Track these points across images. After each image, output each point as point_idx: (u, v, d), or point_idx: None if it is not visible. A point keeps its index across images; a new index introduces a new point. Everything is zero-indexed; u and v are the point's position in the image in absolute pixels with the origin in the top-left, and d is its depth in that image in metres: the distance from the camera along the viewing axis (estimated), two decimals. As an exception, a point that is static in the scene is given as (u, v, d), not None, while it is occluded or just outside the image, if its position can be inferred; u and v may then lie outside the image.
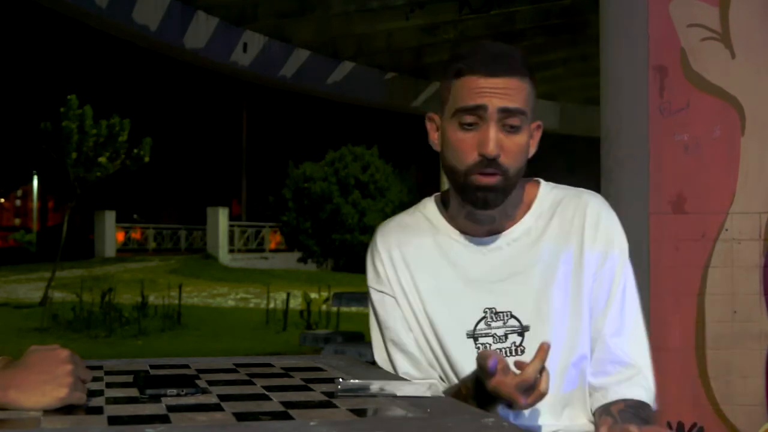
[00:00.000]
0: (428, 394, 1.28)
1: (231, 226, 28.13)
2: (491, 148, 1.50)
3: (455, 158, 1.55)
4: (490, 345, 1.58)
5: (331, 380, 1.40)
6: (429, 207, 1.70)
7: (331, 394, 1.29)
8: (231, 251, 27.79)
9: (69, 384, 1.14)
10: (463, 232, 1.63)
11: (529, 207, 1.63)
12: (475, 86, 1.51)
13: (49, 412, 1.12)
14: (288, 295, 13.40)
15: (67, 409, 1.14)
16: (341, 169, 26.95)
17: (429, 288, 1.62)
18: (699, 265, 2.81)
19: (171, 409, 1.16)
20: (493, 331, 1.59)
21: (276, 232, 30.24)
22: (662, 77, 2.86)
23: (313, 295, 13.20)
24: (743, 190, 2.82)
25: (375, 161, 27.50)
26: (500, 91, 1.50)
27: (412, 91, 11.58)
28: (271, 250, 30.46)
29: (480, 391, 1.43)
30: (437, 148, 1.61)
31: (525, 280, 1.59)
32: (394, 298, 1.65)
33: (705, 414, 2.82)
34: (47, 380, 1.13)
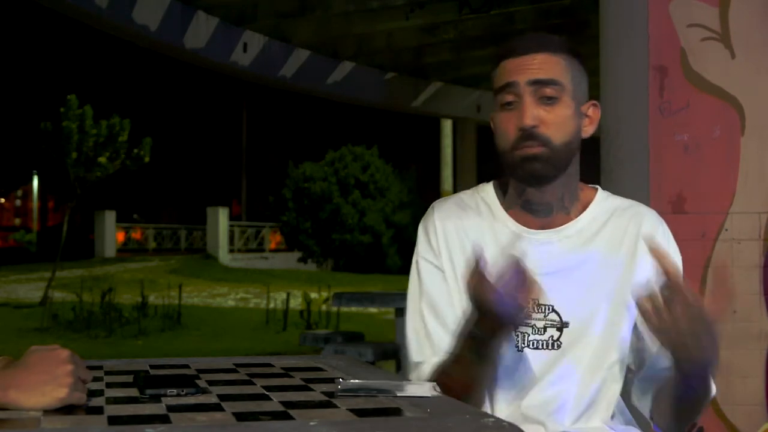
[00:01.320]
0: (428, 394, 1.28)
1: (231, 226, 28.12)
2: (527, 119, 1.53)
3: (501, 138, 1.58)
4: (528, 335, 1.60)
5: (331, 380, 1.40)
6: (488, 191, 1.71)
7: (331, 394, 1.29)
8: (231, 251, 27.78)
9: (69, 384, 1.14)
10: (518, 220, 1.64)
11: (585, 208, 1.65)
12: (508, 67, 1.57)
13: (49, 412, 1.12)
14: (288, 295, 13.40)
15: (67, 409, 1.14)
16: (341, 169, 26.95)
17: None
18: (699, 265, 2.81)
19: (171, 409, 1.16)
20: (533, 322, 1.59)
21: (276, 232, 30.25)
22: (662, 77, 2.87)
23: (313, 295, 13.20)
24: (743, 190, 2.82)
25: (375, 161, 27.50)
26: (531, 66, 1.55)
27: (412, 91, 11.57)
28: (271, 250, 30.46)
29: (475, 336, 1.46)
30: (496, 140, 1.64)
31: (571, 278, 1.59)
32: (443, 272, 1.65)
33: (705, 414, 2.82)
34: (47, 380, 1.13)
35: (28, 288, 17.92)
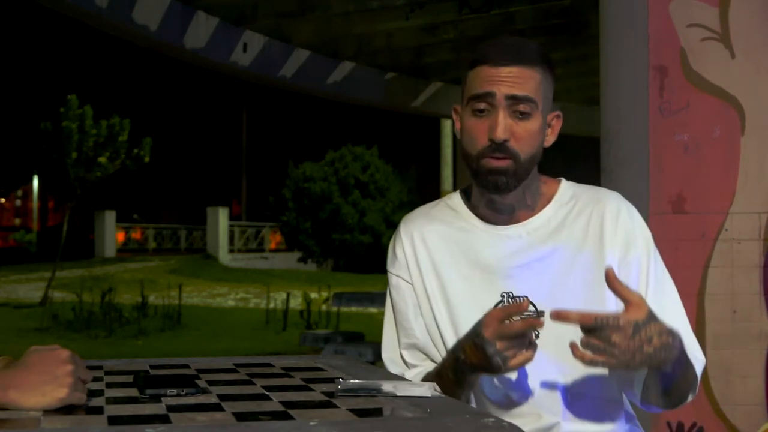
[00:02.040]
0: (428, 394, 1.28)
1: (231, 226, 28.12)
2: (499, 133, 1.56)
3: (469, 143, 1.61)
4: None
5: (331, 380, 1.40)
6: (453, 198, 1.77)
7: (331, 394, 1.29)
8: (231, 251, 27.79)
9: (69, 384, 1.14)
10: (484, 220, 1.68)
11: (549, 200, 1.68)
12: (485, 75, 1.59)
13: (49, 412, 1.12)
14: (288, 295, 13.40)
15: (67, 409, 1.14)
16: (341, 169, 26.95)
17: (449, 271, 1.67)
18: (699, 265, 2.81)
19: (171, 409, 1.16)
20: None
21: (276, 232, 30.25)
22: (662, 77, 2.87)
23: (313, 295, 13.20)
24: (743, 190, 2.82)
25: (375, 161, 27.50)
26: (508, 79, 1.57)
27: (412, 91, 11.58)
28: (271, 250, 30.46)
29: (459, 361, 1.51)
30: (459, 136, 1.67)
31: (542, 268, 1.63)
32: (411, 284, 1.72)
33: (705, 414, 2.82)
34: (47, 380, 1.13)
35: (28, 288, 17.92)
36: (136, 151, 17.45)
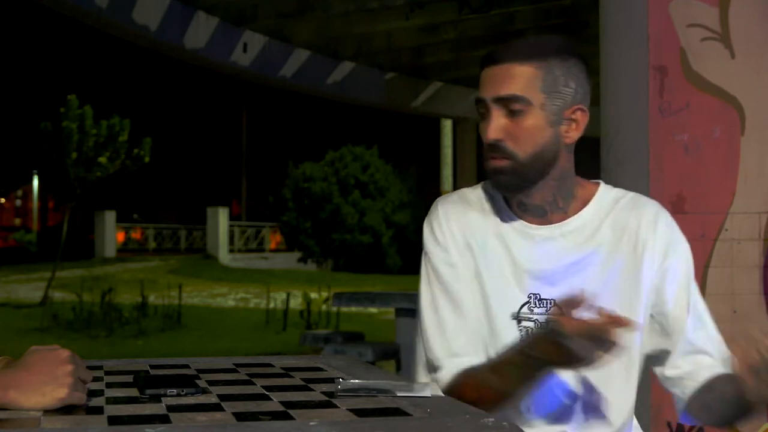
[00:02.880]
0: (428, 394, 1.28)
1: (231, 226, 28.13)
2: (489, 134, 1.57)
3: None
4: (532, 330, 1.59)
5: (331, 380, 1.40)
6: (491, 188, 1.71)
7: (331, 394, 1.29)
8: (231, 251, 27.79)
9: (69, 384, 1.14)
10: (519, 216, 1.65)
11: (585, 203, 1.65)
12: (481, 78, 1.60)
13: (49, 412, 1.12)
14: (288, 295, 13.40)
15: (67, 409, 1.14)
16: (341, 169, 26.96)
17: (482, 263, 1.62)
18: (699, 265, 2.81)
19: (171, 409, 1.16)
20: (535, 317, 1.60)
21: (276, 232, 30.25)
22: (662, 77, 2.86)
23: (313, 295, 13.19)
24: (743, 190, 2.81)
25: (375, 161, 27.51)
26: (495, 80, 1.57)
27: (412, 91, 11.57)
28: (271, 250, 30.46)
29: (531, 357, 1.46)
30: None
31: (572, 272, 1.60)
32: (455, 267, 1.64)
33: (705, 414, 2.82)
34: (47, 381, 1.13)
35: (28, 288, 17.91)
36: (136, 151, 17.45)
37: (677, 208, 2.82)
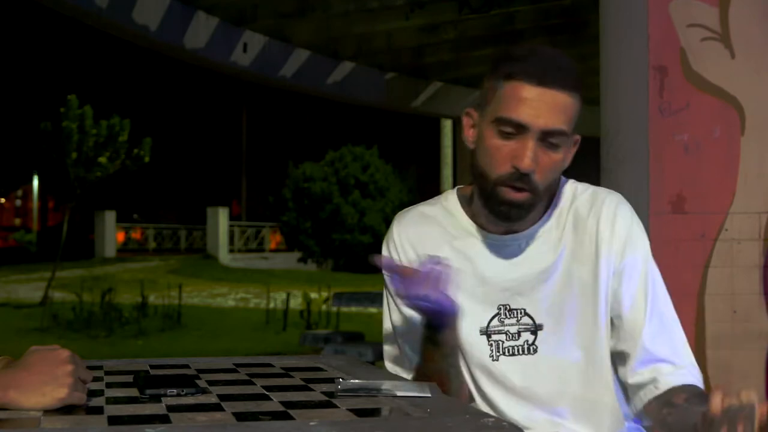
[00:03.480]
0: (428, 394, 1.28)
1: (231, 226, 28.12)
2: (527, 163, 1.46)
3: (488, 165, 1.50)
4: (503, 342, 1.58)
5: (331, 380, 1.40)
6: (450, 200, 1.67)
7: (331, 394, 1.29)
8: (231, 251, 27.78)
9: (69, 384, 1.14)
10: (482, 228, 1.61)
11: (549, 206, 1.60)
12: (523, 96, 1.46)
13: (49, 412, 1.12)
14: (288, 295, 13.39)
15: (67, 409, 1.14)
16: (341, 169, 26.94)
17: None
18: (699, 265, 2.81)
19: (171, 409, 1.16)
20: (506, 328, 1.58)
21: (276, 232, 30.24)
22: (662, 77, 2.86)
23: (313, 295, 13.19)
24: (743, 190, 2.82)
25: (375, 161, 27.49)
26: (546, 108, 1.46)
27: (412, 91, 11.57)
28: (271, 250, 30.46)
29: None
30: (471, 146, 1.57)
31: (540, 279, 1.57)
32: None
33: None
34: (47, 381, 1.13)
35: (28, 288, 17.91)
36: (136, 151, 17.45)
37: (677, 208, 2.82)
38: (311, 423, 1.07)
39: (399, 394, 1.27)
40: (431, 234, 1.63)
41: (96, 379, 1.34)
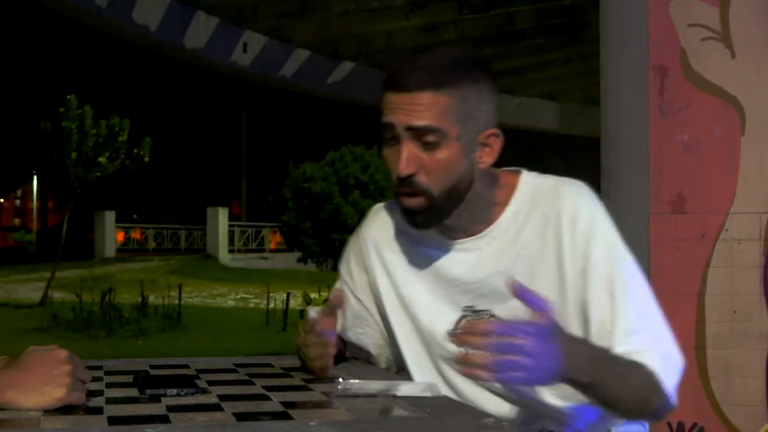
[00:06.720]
0: (428, 394, 1.27)
1: (231, 226, 28.13)
2: (401, 168, 1.45)
3: (390, 170, 1.50)
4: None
5: (331, 380, 1.40)
6: None
7: (331, 394, 1.29)
8: (231, 251, 27.79)
9: (67, 384, 1.14)
10: (443, 234, 1.58)
11: (506, 203, 1.56)
12: (387, 102, 1.47)
13: (48, 412, 1.12)
14: (288, 295, 13.39)
15: (67, 409, 1.14)
16: (341, 169, 26.93)
17: (409, 289, 1.61)
18: (699, 265, 2.81)
19: (171, 409, 1.16)
20: None
21: (276, 232, 30.24)
22: (662, 77, 2.87)
23: (313, 295, 13.19)
24: (743, 190, 2.82)
25: (375, 161, 27.46)
26: (406, 108, 1.44)
27: (412, 91, 11.58)
28: (271, 250, 30.46)
29: None
30: None
31: (503, 279, 1.50)
32: (350, 288, 1.70)
33: (705, 414, 2.82)
34: (46, 381, 1.13)
35: (28, 288, 17.90)
36: (135, 151, 17.44)
37: (677, 208, 2.82)
38: (311, 423, 1.07)
39: (399, 394, 1.27)
40: (397, 237, 1.64)
41: (96, 379, 1.34)
